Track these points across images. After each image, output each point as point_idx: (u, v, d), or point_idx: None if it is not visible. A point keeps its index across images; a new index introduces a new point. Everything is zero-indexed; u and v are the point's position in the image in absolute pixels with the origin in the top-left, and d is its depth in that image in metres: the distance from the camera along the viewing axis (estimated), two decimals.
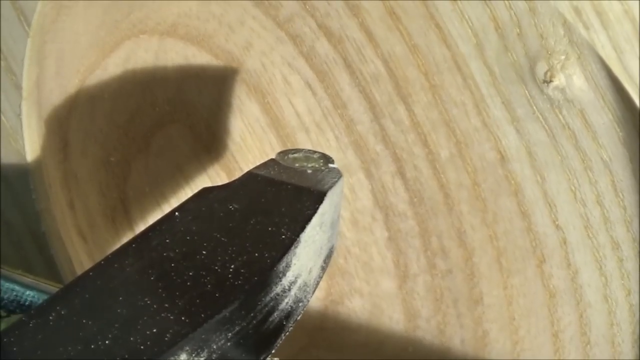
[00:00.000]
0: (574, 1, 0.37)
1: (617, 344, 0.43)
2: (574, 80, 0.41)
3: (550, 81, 0.41)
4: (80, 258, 0.46)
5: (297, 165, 0.39)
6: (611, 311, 0.43)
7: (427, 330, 0.45)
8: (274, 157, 0.40)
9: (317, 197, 0.38)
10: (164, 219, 0.37)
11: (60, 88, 0.44)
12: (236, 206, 0.38)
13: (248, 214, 0.37)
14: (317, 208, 0.37)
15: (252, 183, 0.39)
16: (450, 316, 0.45)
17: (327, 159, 0.39)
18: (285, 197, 0.38)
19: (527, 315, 0.44)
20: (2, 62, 0.43)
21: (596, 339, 0.44)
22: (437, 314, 0.45)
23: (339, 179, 0.39)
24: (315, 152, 0.40)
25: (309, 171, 0.39)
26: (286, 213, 0.37)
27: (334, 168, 0.39)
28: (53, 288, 0.40)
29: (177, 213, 0.38)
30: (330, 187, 0.38)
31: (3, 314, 0.40)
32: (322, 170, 0.39)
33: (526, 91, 0.42)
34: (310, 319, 0.46)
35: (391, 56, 0.43)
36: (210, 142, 0.45)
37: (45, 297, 0.40)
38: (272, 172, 0.39)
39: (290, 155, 0.40)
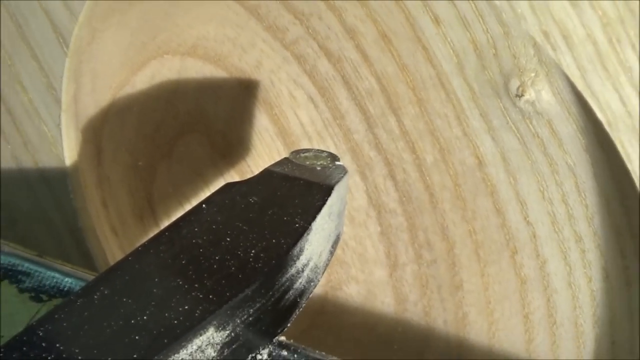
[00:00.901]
0: (542, 26, 0.37)
1: (580, 324, 0.43)
2: (543, 95, 0.41)
3: (522, 95, 0.41)
4: (113, 250, 0.46)
5: (307, 163, 0.40)
6: (574, 296, 0.43)
7: (414, 313, 0.45)
8: (287, 156, 0.40)
9: (326, 191, 0.38)
10: (192, 210, 0.38)
11: (95, 102, 0.44)
12: (255, 199, 0.38)
13: (266, 206, 0.38)
14: (326, 200, 0.38)
15: (268, 179, 0.39)
16: (434, 300, 0.45)
17: (334, 158, 0.40)
18: (298, 190, 0.38)
19: (502, 300, 0.44)
20: (44, 79, 0.43)
21: (561, 320, 0.44)
22: (423, 299, 0.45)
23: (344, 174, 0.39)
24: (323, 151, 0.40)
25: (318, 168, 0.39)
26: (299, 204, 0.38)
27: (340, 165, 0.39)
28: (89, 276, 0.40)
29: (204, 205, 0.38)
30: (337, 182, 0.38)
31: (45, 298, 0.40)
32: (330, 167, 0.39)
33: (501, 104, 0.42)
34: (312, 303, 0.46)
35: (383, 74, 0.43)
36: (225, 149, 0.45)
37: (81, 283, 0.40)
38: (286, 169, 0.39)
39: (302, 154, 0.40)
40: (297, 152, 0.40)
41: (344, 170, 0.39)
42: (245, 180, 0.39)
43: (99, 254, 0.45)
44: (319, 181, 0.39)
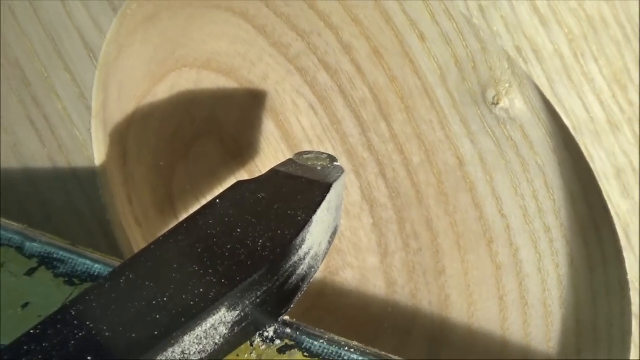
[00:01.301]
0: (515, 42, 0.37)
1: (548, 305, 0.43)
2: (516, 103, 0.41)
3: (497, 104, 0.41)
4: (137, 240, 0.46)
5: (309, 163, 0.40)
6: (544, 280, 0.43)
7: (402, 295, 0.45)
8: (291, 157, 0.40)
9: (325, 188, 0.38)
10: (207, 205, 0.38)
11: (121, 110, 0.44)
12: (263, 195, 0.38)
13: (272, 201, 0.38)
14: (325, 196, 0.38)
15: (275, 177, 0.39)
16: (420, 284, 0.45)
17: (333, 159, 0.40)
18: (301, 188, 0.38)
19: (479, 284, 0.44)
20: (76, 90, 0.43)
21: (532, 302, 0.44)
22: (410, 283, 0.45)
23: (342, 173, 0.39)
24: (323, 153, 0.40)
25: (319, 168, 0.39)
26: (301, 200, 0.38)
27: (338, 165, 0.40)
28: (115, 262, 0.40)
29: (217, 201, 0.38)
30: (335, 180, 0.38)
31: (77, 282, 0.40)
32: (329, 167, 0.39)
33: (479, 111, 0.42)
34: (313, 287, 0.46)
35: (375, 85, 0.43)
36: (236, 150, 0.45)
37: (109, 269, 0.40)
38: (290, 169, 0.40)
39: (304, 156, 0.40)
40: (300, 154, 0.40)
41: (341, 170, 0.39)
42: (254, 179, 0.39)
43: (125, 243, 0.45)
44: (319, 179, 0.39)
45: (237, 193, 0.39)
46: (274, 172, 0.40)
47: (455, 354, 0.44)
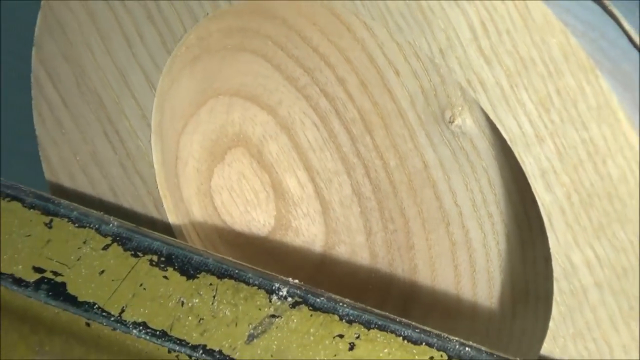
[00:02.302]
0: (466, 76, 0.37)
1: (491, 272, 0.43)
2: (466, 122, 0.41)
3: (453, 122, 0.41)
4: (185, 224, 0.46)
5: None
6: (487, 253, 0.43)
7: (382, 265, 0.45)
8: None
9: None
10: None
11: (173, 127, 0.44)
12: None
13: None
14: None
15: None
16: (395, 256, 0.44)
17: None
18: None
19: (439, 256, 0.44)
20: (139, 111, 0.43)
21: (479, 270, 0.44)
22: (388, 255, 0.44)
23: None
24: None
25: None
26: None
27: None
28: (168, 239, 0.40)
29: None
30: None
31: (140, 255, 0.40)
32: None
33: (439, 128, 0.42)
34: (315, 258, 0.46)
35: (362, 108, 0.43)
36: (259, 157, 0.45)
37: (164, 245, 0.40)
38: None
39: None
40: None
41: None
42: None
43: (176, 227, 0.45)
44: None
45: None
46: None
47: (422, 308, 0.44)
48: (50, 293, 0.38)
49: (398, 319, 0.37)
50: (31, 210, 0.40)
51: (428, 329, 0.36)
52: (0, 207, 0.40)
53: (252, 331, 0.36)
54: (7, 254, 0.38)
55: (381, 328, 0.36)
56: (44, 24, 0.42)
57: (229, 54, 0.43)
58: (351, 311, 0.37)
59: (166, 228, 0.44)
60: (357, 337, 0.36)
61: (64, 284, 0.38)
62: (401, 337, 0.35)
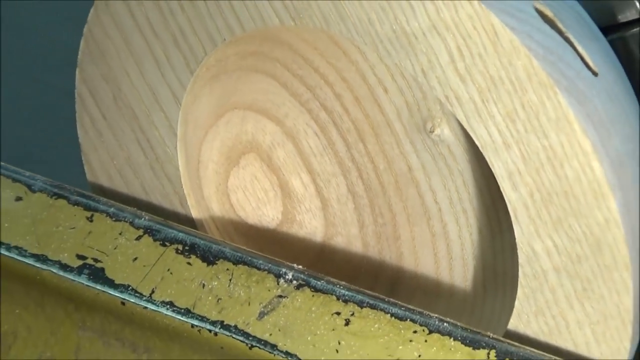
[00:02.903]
0: (444, 93, 0.37)
1: (465, 259, 0.43)
2: (445, 131, 0.41)
3: (433, 131, 0.41)
4: (207, 220, 0.45)
5: None
6: (462, 243, 0.43)
7: (373, 253, 0.45)
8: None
9: None
10: None
11: (195, 135, 0.44)
12: None
13: None
14: None
15: None
16: (384, 246, 0.44)
17: None
18: None
19: (422, 246, 0.44)
20: (166, 122, 0.43)
21: (455, 257, 0.43)
22: (378, 245, 0.44)
23: None
24: None
25: None
26: None
27: None
28: (192, 231, 0.40)
29: None
30: None
31: (167, 244, 0.39)
32: None
33: (421, 136, 0.42)
34: (316, 247, 0.45)
35: (356, 119, 0.43)
36: (268, 162, 0.44)
37: (188, 236, 0.40)
38: None
39: None
40: None
41: None
42: None
43: (198, 221, 0.45)
44: None
45: None
46: None
47: (407, 290, 0.44)
48: (91, 277, 0.37)
49: (387, 299, 0.37)
50: (75, 206, 0.39)
51: (412, 307, 0.36)
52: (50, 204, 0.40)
53: (262, 309, 0.36)
54: (55, 244, 0.38)
55: (372, 307, 0.36)
56: (87, 49, 0.42)
57: (243, 74, 0.43)
58: (347, 292, 0.37)
59: (189, 221, 0.44)
60: (352, 314, 0.36)
61: (102, 269, 0.38)
62: (389, 314, 0.35)
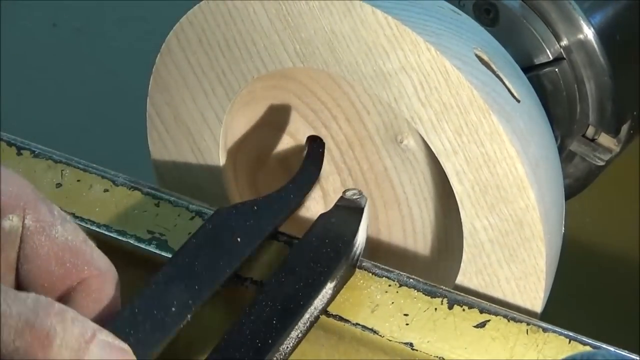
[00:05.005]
0: (410, 113, 0.37)
1: (426, 234, 0.43)
2: (411, 142, 0.41)
3: (402, 142, 0.42)
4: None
5: (348, 195, 0.36)
6: (423, 222, 0.43)
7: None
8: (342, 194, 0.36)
9: (361, 211, 0.35)
10: (313, 224, 0.32)
11: (234, 146, 0.43)
12: (332, 220, 0.35)
13: (338, 219, 0.34)
14: (362, 214, 0.34)
15: (334, 210, 0.35)
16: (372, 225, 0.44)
17: (361, 193, 0.36)
18: (351, 212, 0.35)
19: (394, 224, 0.44)
20: (212, 136, 0.42)
21: (418, 232, 0.43)
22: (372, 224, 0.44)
23: (366, 200, 0.35)
24: (354, 189, 0.36)
25: (355, 198, 0.36)
26: (352, 217, 0.34)
27: (364, 197, 0.36)
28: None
29: (316, 223, 0.33)
30: (365, 204, 0.35)
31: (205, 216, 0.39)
32: (360, 197, 0.36)
33: (394, 146, 0.42)
34: None
35: (347, 133, 0.43)
36: (285, 166, 0.44)
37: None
38: (341, 202, 0.35)
39: (347, 192, 0.36)
40: (345, 191, 0.36)
41: (365, 199, 0.36)
42: (328, 212, 0.35)
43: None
44: (357, 205, 0.35)
45: (323, 219, 0.35)
46: (335, 205, 0.35)
47: (383, 256, 0.44)
48: (158, 246, 0.38)
49: (370, 262, 0.37)
50: (146, 196, 0.40)
51: (387, 267, 0.36)
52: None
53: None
54: (132, 223, 0.38)
55: (359, 267, 0.36)
56: (154, 83, 0.42)
57: (267, 101, 0.43)
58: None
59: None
60: None
61: (166, 241, 0.38)
62: (371, 273, 0.36)
